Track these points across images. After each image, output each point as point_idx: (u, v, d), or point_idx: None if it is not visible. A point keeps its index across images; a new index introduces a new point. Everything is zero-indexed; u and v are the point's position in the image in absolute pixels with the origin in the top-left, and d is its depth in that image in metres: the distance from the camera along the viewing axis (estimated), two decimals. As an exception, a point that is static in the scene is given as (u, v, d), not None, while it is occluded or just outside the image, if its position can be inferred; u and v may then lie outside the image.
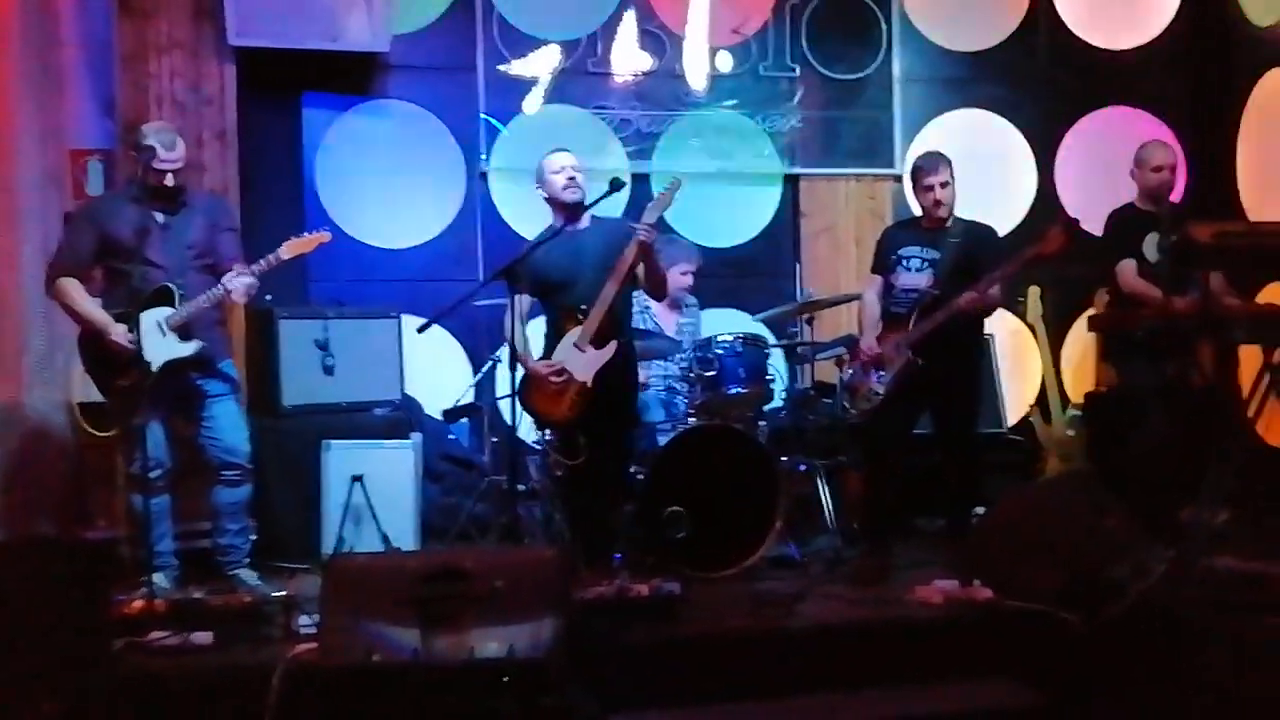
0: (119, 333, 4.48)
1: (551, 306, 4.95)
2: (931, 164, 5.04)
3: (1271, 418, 4.44)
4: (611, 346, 4.76)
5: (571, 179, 4.83)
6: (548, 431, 5.03)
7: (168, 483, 4.71)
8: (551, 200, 4.90)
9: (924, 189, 5.03)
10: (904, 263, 5.06)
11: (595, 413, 4.78)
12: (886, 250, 5.18)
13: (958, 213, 5.07)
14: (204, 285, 4.63)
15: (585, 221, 4.95)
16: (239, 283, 4.56)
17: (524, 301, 4.82)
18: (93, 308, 4.57)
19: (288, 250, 4.67)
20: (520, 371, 4.69)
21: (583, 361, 4.75)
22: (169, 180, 4.59)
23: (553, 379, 4.75)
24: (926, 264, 5.00)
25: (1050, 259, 4.85)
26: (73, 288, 4.61)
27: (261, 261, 4.63)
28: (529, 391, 4.78)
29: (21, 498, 5.15)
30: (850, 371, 5.24)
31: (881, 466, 5.08)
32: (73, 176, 5.69)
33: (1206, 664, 3.77)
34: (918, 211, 5.23)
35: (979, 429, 5.35)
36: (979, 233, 5.08)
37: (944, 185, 4.99)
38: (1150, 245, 5.33)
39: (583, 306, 4.76)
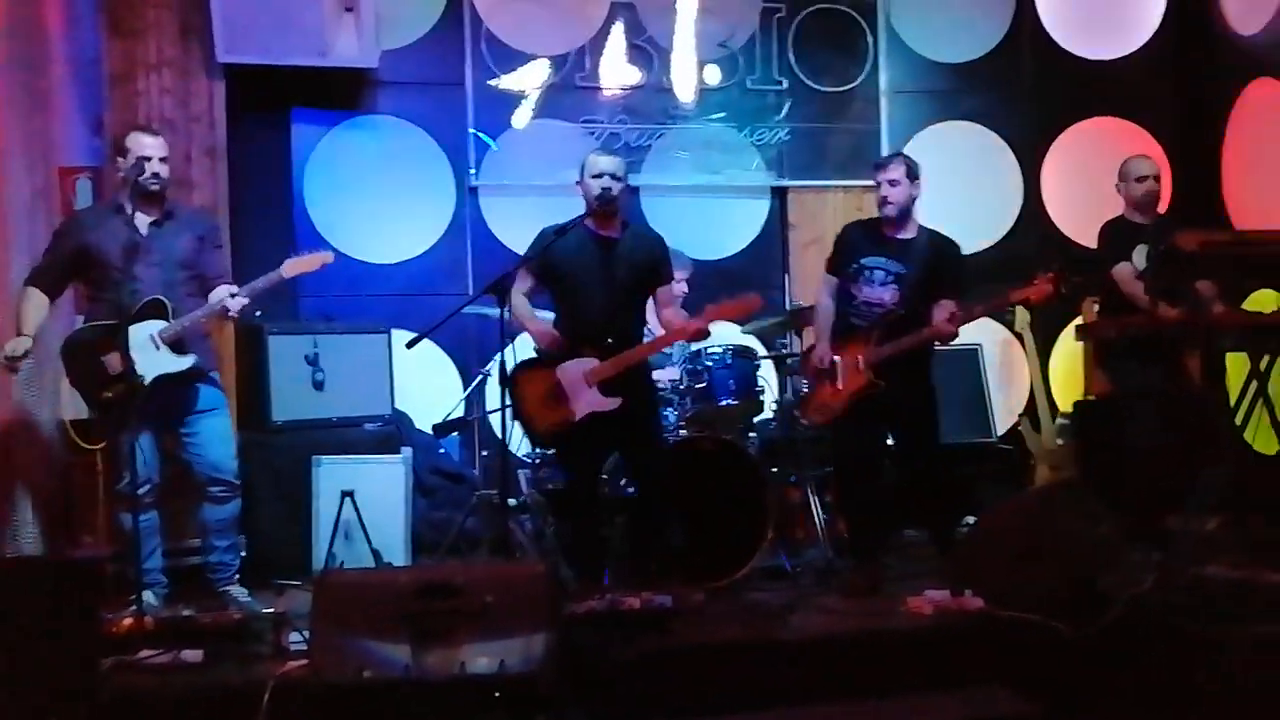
0: (12, 347, 4.51)
1: (567, 311, 4.76)
2: (884, 161, 4.98)
3: (1259, 425, 4.46)
4: (613, 402, 4.58)
5: (607, 188, 4.63)
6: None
7: (156, 499, 4.69)
8: (588, 203, 4.71)
9: (876, 185, 4.92)
10: (867, 274, 4.89)
11: (591, 437, 4.67)
12: (848, 253, 4.98)
13: (926, 223, 4.99)
14: (190, 299, 4.64)
15: (617, 229, 4.75)
16: (236, 303, 4.56)
17: (525, 279, 4.70)
18: (27, 319, 4.57)
19: (289, 269, 4.67)
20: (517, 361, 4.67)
21: (583, 396, 4.60)
22: (157, 168, 4.58)
23: (560, 376, 4.63)
24: (891, 277, 4.86)
25: (1036, 304, 4.91)
26: (29, 295, 4.61)
27: (261, 280, 4.62)
28: (521, 392, 4.69)
29: (8, 516, 5.13)
30: (803, 381, 5.08)
31: (851, 479, 4.99)
32: (62, 195, 5.68)
33: (1197, 671, 3.78)
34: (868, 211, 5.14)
35: (960, 439, 5.32)
36: (944, 248, 4.95)
37: (893, 184, 4.84)
38: (1139, 255, 5.36)
39: (609, 340, 4.61)
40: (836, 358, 4.90)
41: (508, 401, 4.69)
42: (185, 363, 4.57)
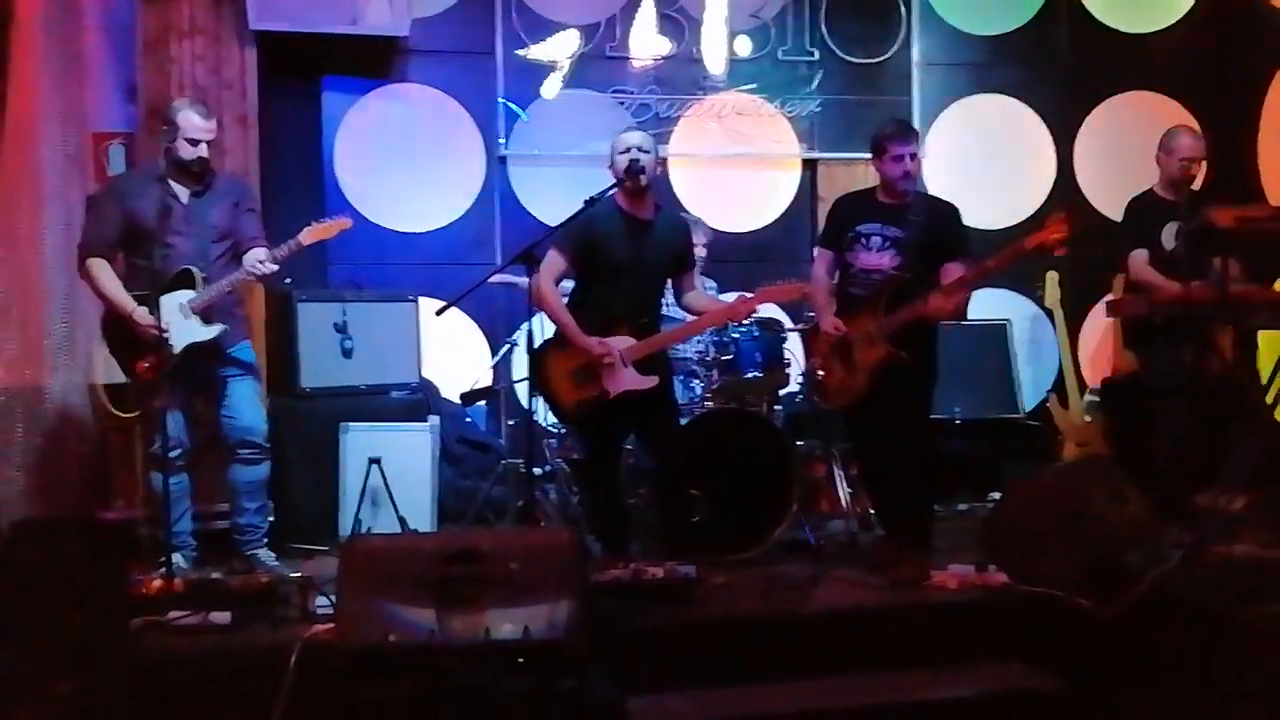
0: (144, 317, 4.50)
1: (595, 288, 4.72)
2: (906, 134, 4.71)
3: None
4: (651, 380, 4.57)
5: (635, 160, 4.57)
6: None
7: (187, 463, 4.74)
8: (618, 180, 4.65)
9: (894, 159, 4.64)
10: (863, 240, 4.70)
11: (617, 415, 4.66)
12: (842, 225, 4.80)
13: (952, 195, 4.91)
14: (225, 267, 4.66)
15: (650, 211, 4.73)
16: (262, 269, 4.57)
17: (560, 262, 4.67)
18: (118, 291, 4.59)
19: (308, 236, 4.67)
20: (539, 341, 4.62)
21: (619, 374, 4.58)
22: (203, 151, 4.60)
23: (601, 360, 4.57)
24: (889, 242, 4.66)
25: (1051, 249, 4.51)
26: (101, 269, 4.62)
27: (283, 247, 4.63)
28: (548, 368, 4.67)
29: (42, 479, 5.19)
30: (817, 361, 4.85)
31: (873, 459, 4.88)
32: (95, 160, 5.73)
33: (1222, 649, 3.77)
34: (874, 183, 4.86)
35: (988, 415, 5.20)
36: (943, 210, 4.77)
37: (913, 157, 4.67)
38: (1169, 234, 5.29)
39: (644, 320, 4.61)
40: (844, 329, 4.68)
41: (533, 377, 4.69)
42: (212, 331, 4.59)
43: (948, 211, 4.80)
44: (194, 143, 4.58)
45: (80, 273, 4.70)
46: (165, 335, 4.40)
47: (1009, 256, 4.55)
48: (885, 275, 4.65)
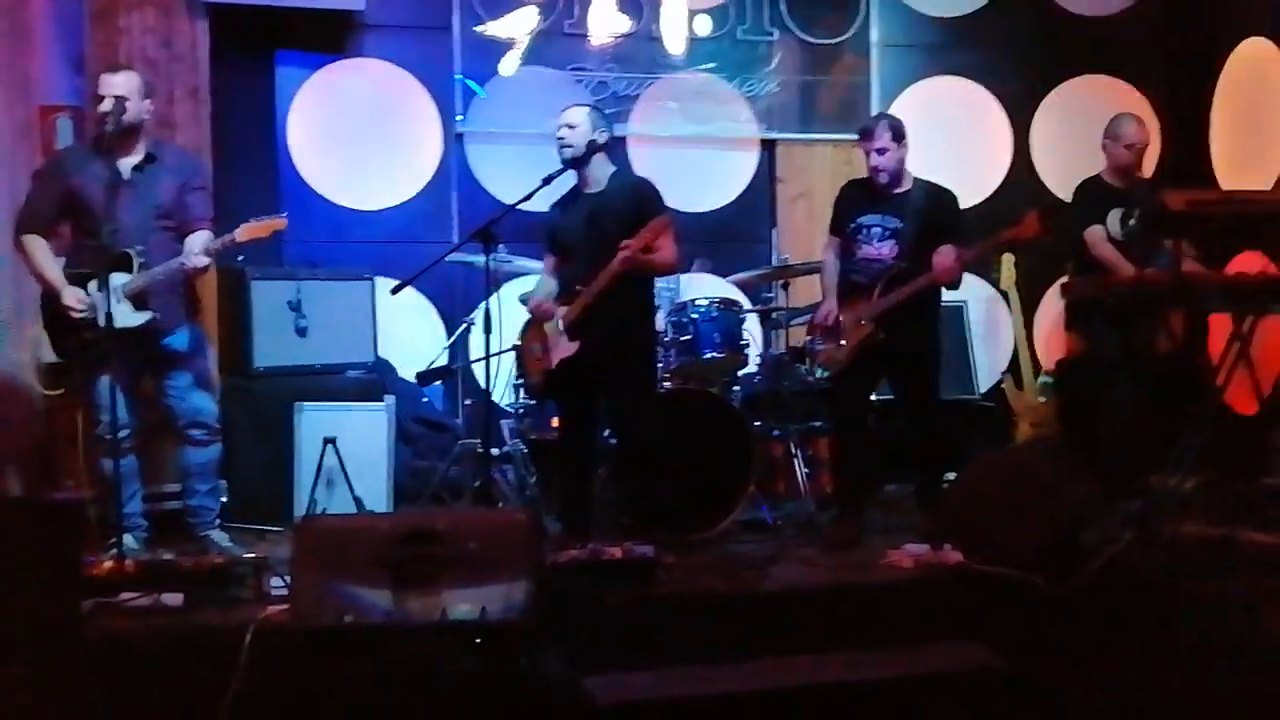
0: (70, 296, 4.44)
1: (564, 270, 4.81)
2: (870, 127, 4.92)
3: (1239, 385, 4.48)
4: (574, 346, 4.58)
5: (561, 139, 4.60)
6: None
7: (134, 443, 4.67)
8: None
9: (866, 153, 4.91)
10: (864, 232, 4.92)
11: (570, 385, 4.70)
12: (845, 214, 5.02)
13: (920, 175, 4.99)
14: (166, 246, 4.57)
15: (602, 181, 4.71)
16: (193, 262, 4.49)
17: (549, 260, 4.85)
18: (50, 268, 4.51)
19: (244, 233, 4.57)
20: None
21: (557, 344, 4.64)
22: (109, 107, 4.45)
23: (545, 328, 4.70)
24: (889, 233, 4.87)
25: (1023, 243, 4.84)
26: (35, 245, 4.55)
27: (218, 242, 4.55)
28: (522, 346, 4.86)
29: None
30: (811, 339, 5.18)
31: (845, 433, 5.07)
32: (42, 133, 5.61)
33: (1173, 627, 3.82)
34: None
35: (944, 396, 5.30)
36: (939, 198, 4.94)
37: (880, 152, 4.84)
38: (1113, 219, 5.36)
39: (578, 288, 4.61)
40: (841, 316, 4.93)
41: (511, 361, 4.77)
42: (140, 319, 4.50)
43: (946, 198, 4.97)
44: (103, 99, 4.47)
45: (15, 248, 4.62)
46: (93, 317, 4.33)
47: (988, 247, 4.88)
48: (885, 264, 4.86)
